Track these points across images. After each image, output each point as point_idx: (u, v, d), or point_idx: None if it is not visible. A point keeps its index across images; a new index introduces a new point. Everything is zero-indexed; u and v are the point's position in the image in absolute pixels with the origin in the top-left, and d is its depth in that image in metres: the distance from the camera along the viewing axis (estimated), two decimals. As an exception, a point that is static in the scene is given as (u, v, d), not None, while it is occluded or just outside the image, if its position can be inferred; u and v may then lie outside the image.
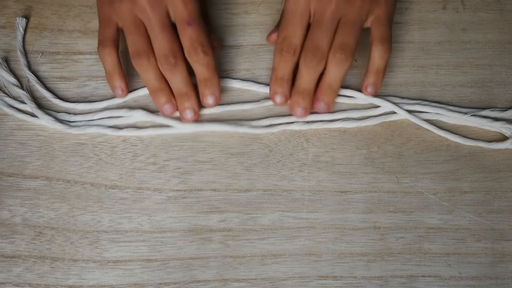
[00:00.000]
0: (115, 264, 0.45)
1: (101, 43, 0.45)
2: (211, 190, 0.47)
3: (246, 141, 0.47)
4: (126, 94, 0.47)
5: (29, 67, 0.49)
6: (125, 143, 0.47)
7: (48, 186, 0.47)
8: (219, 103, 0.47)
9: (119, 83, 0.46)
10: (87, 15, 0.50)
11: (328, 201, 0.47)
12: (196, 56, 0.44)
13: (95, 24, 0.49)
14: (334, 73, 0.44)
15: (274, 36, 0.47)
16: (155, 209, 0.46)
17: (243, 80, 0.48)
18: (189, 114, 0.46)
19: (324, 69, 0.45)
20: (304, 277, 0.45)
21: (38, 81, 0.48)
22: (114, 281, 0.45)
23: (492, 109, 0.48)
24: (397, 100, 0.48)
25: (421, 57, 0.49)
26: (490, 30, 0.50)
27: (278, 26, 0.47)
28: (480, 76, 0.49)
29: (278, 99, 0.46)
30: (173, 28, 0.44)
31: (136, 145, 0.47)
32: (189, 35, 0.43)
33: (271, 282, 0.45)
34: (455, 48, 0.50)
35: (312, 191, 0.47)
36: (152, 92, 0.46)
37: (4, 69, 0.48)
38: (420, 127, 0.48)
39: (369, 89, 0.46)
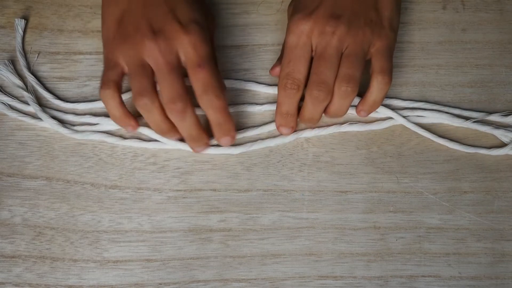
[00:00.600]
0: (115, 264, 0.45)
1: (104, 84, 0.43)
2: (211, 190, 0.47)
3: (246, 141, 0.47)
4: (137, 128, 0.46)
5: (29, 67, 0.49)
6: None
7: (48, 186, 0.47)
8: (235, 141, 0.46)
9: (127, 124, 0.45)
10: (87, 15, 0.50)
11: (328, 201, 0.47)
12: (209, 101, 0.42)
13: (95, 24, 0.49)
14: (340, 104, 0.44)
15: (277, 70, 0.46)
16: (155, 209, 0.46)
17: (243, 80, 0.48)
18: (202, 151, 0.46)
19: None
20: (304, 277, 0.45)
21: (38, 82, 0.48)
22: (114, 281, 0.45)
23: (493, 114, 0.48)
24: (398, 102, 0.48)
25: (421, 57, 0.49)
26: (490, 30, 0.50)
27: (280, 59, 0.46)
28: (480, 76, 0.49)
29: (285, 131, 0.46)
30: (182, 73, 0.42)
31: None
32: (200, 79, 0.42)
33: (271, 282, 0.45)
34: (455, 48, 0.50)
35: (312, 191, 0.47)
36: (159, 134, 0.45)
37: (10, 71, 0.48)
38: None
39: (362, 114, 0.46)
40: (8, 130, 0.48)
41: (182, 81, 0.42)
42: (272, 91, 0.48)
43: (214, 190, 0.47)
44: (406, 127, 0.48)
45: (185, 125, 0.43)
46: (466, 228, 0.46)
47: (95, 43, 0.49)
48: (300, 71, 0.43)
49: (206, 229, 0.46)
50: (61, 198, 0.46)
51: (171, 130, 0.44)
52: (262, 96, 0.49)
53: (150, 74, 0.42)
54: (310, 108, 0.44)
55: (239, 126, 0.48)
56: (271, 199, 0.47)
